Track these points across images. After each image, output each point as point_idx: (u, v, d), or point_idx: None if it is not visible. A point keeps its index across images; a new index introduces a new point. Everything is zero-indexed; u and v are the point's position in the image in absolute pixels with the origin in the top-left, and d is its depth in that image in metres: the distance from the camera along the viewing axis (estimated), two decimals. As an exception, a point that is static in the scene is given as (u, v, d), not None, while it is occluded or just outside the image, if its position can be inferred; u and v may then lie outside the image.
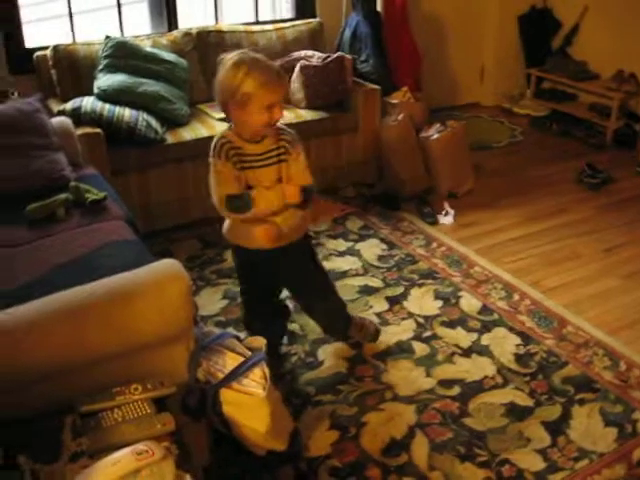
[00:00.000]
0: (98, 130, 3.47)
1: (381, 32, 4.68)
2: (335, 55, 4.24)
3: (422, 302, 3.23)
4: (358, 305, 3.17)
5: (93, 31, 4.16)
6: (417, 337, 2.98)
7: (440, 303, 3.22)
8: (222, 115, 3.86)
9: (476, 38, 5.82)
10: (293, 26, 4.56)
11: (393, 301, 3.23)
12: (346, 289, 3.25)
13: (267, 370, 2.12)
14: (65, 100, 3.71)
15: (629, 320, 3.10)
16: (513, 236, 3.86)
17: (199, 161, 3.68)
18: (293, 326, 3.00)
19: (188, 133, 3.77)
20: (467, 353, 2.88)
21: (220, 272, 3.46)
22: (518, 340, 2.95)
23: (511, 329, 3.03)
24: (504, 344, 2.93)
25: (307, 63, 4.17)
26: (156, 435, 1.67)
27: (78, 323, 1.82)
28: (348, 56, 4.31)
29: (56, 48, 3.82)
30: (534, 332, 3.01)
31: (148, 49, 3.98)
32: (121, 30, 4.30)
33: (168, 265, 2.02)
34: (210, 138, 3.63)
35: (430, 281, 3.40)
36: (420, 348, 2.91)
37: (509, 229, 3.94)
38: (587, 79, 5.46)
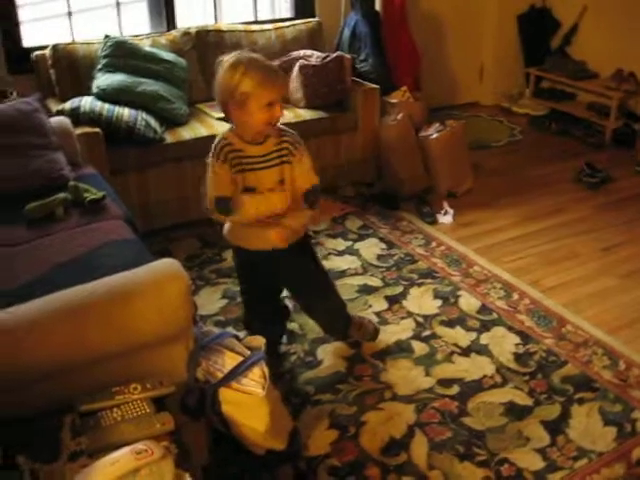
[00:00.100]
0: (97, 130, 3.46)
1: (380, 31, 4.67)
2: (334, 55, 4.24)
3: (421, 301, 3.23)
4: (357, 304, 3.17)
5: (92, 30, 4.16)
6: (416, 336, 2.98)
7: (439, 302, 3.22)
8: (221, 115, 3.89)
9: (475, 37, 5.82)
10: (292, 25, 4.56)
11: (392, 300, 3.23)
12: (345, 288, 3.25)
13: (266, 369, 2.13)
14: (64, 100, 3.71)
15: (628, 319, 3.10)
16: (512, 235, 3.86)
17: (198, 160, 3.66)
18: (292, 325, 3.00)
19: (187, 132, 3.77)
20: (466, 352, 2.88)
21: (219, 271, 3.46)
22: (517, 339, 2.96)
23: (510, 328, 3.03)
24: (503, 343, 2.93)
25: (306, 63, 4.17)
26: (155, 434, 1.67)
27: (78, 322, 1.82)
28: (347, 55, 4.31)
29: (55, 47, 3.82)
30: (533, 331, 3.01)
31: (147, 48, 3.98)
32: (120, 29, 4.30)
33: (167, 264, 2.02)
34: (209, 137, 3.67)
35: (429, 280, 3.40)
36: (419, 347, 2.91)
37: (508, 228, 3.94)
38: (586, 78, 5.46)
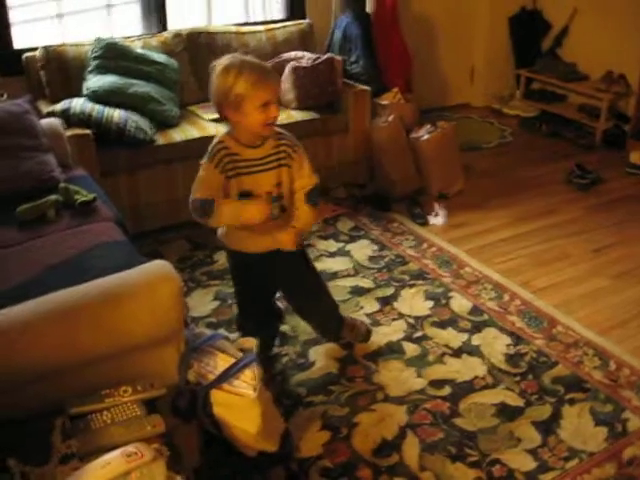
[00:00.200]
0: (88, 131, 3.45)
1: (371, 33, 4.68)
2: (325, 56, 4.24)
3: (413, 303, 3.23)
4: (349, 306, 3.18)
5: (83, 32, 4.15)
6: (408, 338, 2.98)
7: (431, 304, 3.23)
8: (212, 116, 3.92)
9: (466, 39, 5.84)
10: (283, 27, 4.56)
11: (384, 302, 3.24)
12: (337, 290, 3.25)
13: (258, 371, 2.13)
14: (54, 101, 3.70)
15: (619, 320, 3.12)
16: (503, 237, 3.87)
17: (189, 162, 3.68)
18: (284, 327, 2.99)
19: (178, 134, 3.77)
20: (457, 353, 2.88)
21: (211, 273, 3.46)
22: (508, 340, 2.96)
23: (501, 329, 3.03)
24: (494, 344, 2.94)
25: (297, 64, 4.17)
26: (146, 437, 1.67)
27: (70, 324, 1.82)
28: (338, 57, 4.31)
29: (45, 49, 3.81)
30: (524, 332, 3.02)
31: (138, 50, 3.97)
32: (111, 31, 4.29)
33: (159, 266, 2.01)
34: (200, 139, 3.71)
35: (420, 282, 3.40)
36: (411, 349, 2.91)
37: (499, 230, 3.95)
38: (576, 80, 5.48)
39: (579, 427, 2.48)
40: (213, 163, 2.32)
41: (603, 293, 3.32)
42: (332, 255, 3.64)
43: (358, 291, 3.32)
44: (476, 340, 2.97)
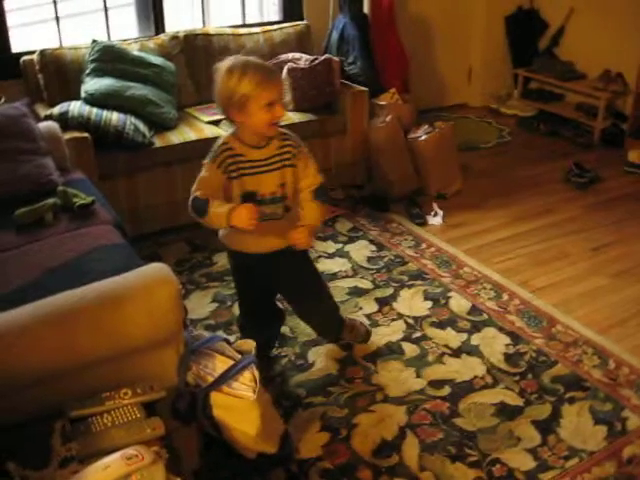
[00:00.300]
0: (86, 134, 3.45)
1: (368, 34, 4.68)
2: (322, 57, 4.24)
3: (412, 303, 3.23)
4: (348, 307, 3.18)
5: (80, 35, 4.15)
6: (407, 338, 2.98)
7: (430, 304, 3.23)
8: (210, 118, 3.92)
9: (463, 39, 5.84)
10: (280, 29, 4.56)
11: (383, 302, 3.24)
12: (336, 291, 3.25)
13: (257, 373, 2.13)
14: (52, 105, 3.70)
15: (618, 319, 3.12)
16: (501, 236, 3.87)
17: (187, 164, 3.70)
18: (283, 328, 2.99)
19: (176, 137, 3.77)
20: (457, 353, 2.89)
21: (209, 275, 3.46)
22: (508, 340, 2.96)
23: (500, 329, 3.04)
24: (494, 344, 2.94)
25: (295, 65, 4.17)
26: (146, 439, 1.67)
27: (69, 327, 1.81)
28: (336, 58, 4.32)
29: (43, 53, 3.81)
30: (523, 332, 3.02)
31: (135, 53, 3.97)
32: (108, 34, 4.29)
33: (157, 269, 2.01)
34: (198, 141, 3.72)
35: (419, 282, 3.40)
36: (410, 349, 2.91)
37: (497, 229, 3.95)
38: (574, 79, 5.49)
39: (579, 426, 2.49)
40: (215, 163, 2.33)
41: (602, 292, 3.33)
42: (331, 256, 3.64)
43: (357, 292, 3.32)
44: (475, 340, 2.97)
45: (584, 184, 4.48)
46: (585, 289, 3.35)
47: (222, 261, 3.55)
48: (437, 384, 2.71)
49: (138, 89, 3.77)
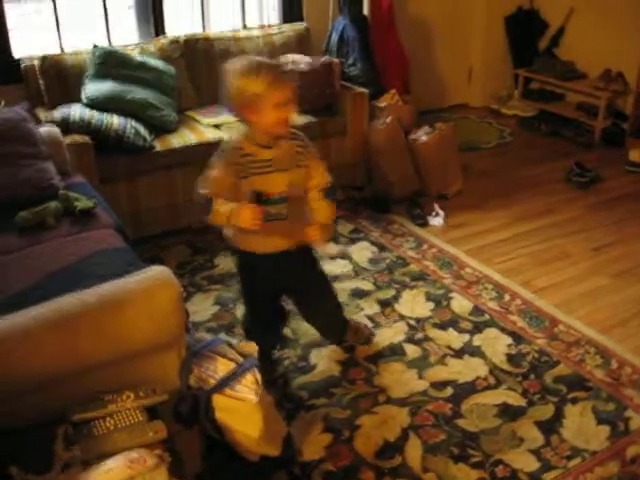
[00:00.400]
0: (86, 138, 3.46)
1: (368, 35, 4.68)
2: (323, 59, 4.24)
3: (413, 304, 3.23)
4: (349, 308, 3.18)
5: (81, 40, 4.15)
6: (409, 339, 2.98)
7: (431, 305, 3.23)
8: (211, 121, 3.92)
9: (463, 40, 5.84)
10: (280, 31, 4.57)
11: (384, 304, 3.24)
12: (337, 292, 3.25)
13: (259, 375, 2.13)
14: (53, 109, 3.70)
15: (620, 318, 3.12)
16: (503, 237, 3.87)
17: (188, 167, 3.70)
18: (285, 330, 2.99)
19: (177, 140, 3.77)
20: (459, 354, 2.89)
21: (211, 278, 3.46)
22: (510, 340, 2.96)
23: (502, 329, 3.04)
24: (496, 345, 2.94)
25: (295, 68, 4.17)
26: (148, 443, 1.67)
27: (70, 331, 1.81)
28: (336, 60, 4.32)
29: (44, 58, 3.81)
30: (525, 332, 3.02)
31: (136, 57, 3.97)
32: (109, 39, 4.29)
33: (158, 272, 2.01)
34: (199, 144, 3.73)
35: (421, 283, 3.40)
36: (412, 350, 2.91)
37: (499, 230, 3.95)
38: (574, 79, 5.49)
39: (581, 426, 2.49)
40: (225, 162, 2.34)
41: (604, 292, 3.32)
42: (332, 258, 3.64)
43: (358, 293, 3.32)
44: (477, 341, 2.97)
45: (585, 184, 4.48)
46: (587, 289, 3.35)
47: (223, 264, 3.56)
48: (439, 385, 2.71)
49: (138, 93, 3.77)
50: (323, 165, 2.49)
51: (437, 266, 3.56)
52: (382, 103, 4.47)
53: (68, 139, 3.38)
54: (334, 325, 2.87)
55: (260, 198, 2.35)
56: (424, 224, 4.01)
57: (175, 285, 1.96)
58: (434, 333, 3.02)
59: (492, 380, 2.73)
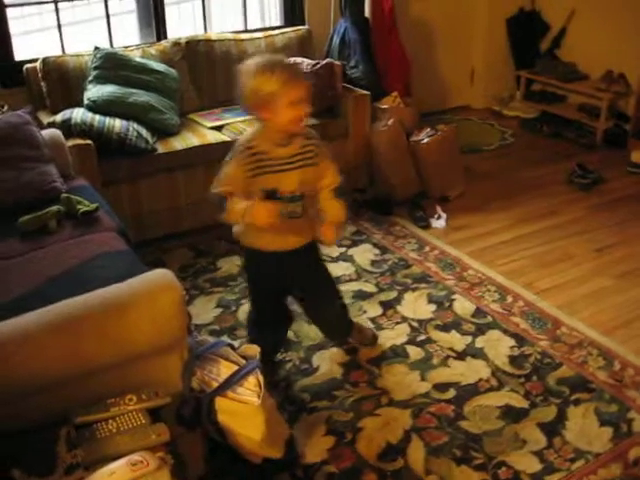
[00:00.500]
0: (89, 141, 3.46)
1: (370, 38, 4.69)
2: (324, 61, 4.24)
3: (416, 306, 3.23)
4: (352, 310, 3.16)
5: (82, 42, 4.16)
6: (411, 341, 2.98)
7: (434, 307, 3.23)
8: (213, 124, 3.93)
9: (465, 41, 5.84)
10: (282, 33, 4.57)
11: (387, 306, 3.24)
12: (340, 295, 3.26)
13: (261, 378, 2.13)
14: (55, 112, 3.71)
15: (623, 320, 3.11)
16: (505, 238, 3.87)
17: (190, 170, 3.71)
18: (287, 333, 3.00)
19: (179, 143, 3.77)
20: (461, 356, 2.88)
21: (213, 281, 3.46)
22: (512, 342, 2.96)
23: (505, 331, 3.03)
24: (498, 346, 2.94)
25: (296, 70, 4.17)
26: (151, 445, 1.67)
27: (72, 335, 1.82)
28: (337, 62, 4.32)
29: (45, 60, 3.82)
30: (528, 334, 3.02)
31: (137, 59, 3.98)
32: (110, 41, 4.30)
33: (160, 275, 2.02)
34: (201, 147, 3.73)
35: (423, 285, 3.40)
36: (414, 352, 2.91)
37: (501, 231, 3.95)
38: (576, 80, 5.48)
39: (584, 428, 2.48)
40: (239, 161, 2.34)
41: (606, 293, 3.32)
42: (334, 260, 3.64)
43: (361, 295, 3.32)
44: (480, 342, 2.97)
45: (587, 185, 4.47)
46: (589, 290, 3.34)
47: (226, 266, 3.56)
48: (442, 387, 2.70)
49: (140, 96, 3.78)
50: (335, 165, 2.51)
51: (439, 268, 3.56)
52: (384, 105, 4.47)
53: (70, 142, 3.39)
54: (340, 324, 2.88)
55: (273, 196, 2.36)
56: (426, 226, 4.01)
57: (177, 288, 1.96)
58: (436, 335, 3.02)
59: (495, 382, 2.72)
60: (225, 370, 2.14)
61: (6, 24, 3.96)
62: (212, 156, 3.71)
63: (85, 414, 1.75)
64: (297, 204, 2.41)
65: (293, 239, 2.49)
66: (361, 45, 4.63)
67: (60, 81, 3.85)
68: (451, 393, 2.67)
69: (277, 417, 2.26)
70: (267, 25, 4.97)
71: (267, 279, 2.62)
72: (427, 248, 3.77)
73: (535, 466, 2.32)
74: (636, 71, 5.02)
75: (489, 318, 3.13)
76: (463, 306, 3.22)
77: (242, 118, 3.99)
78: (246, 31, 4.69)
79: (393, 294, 3.33)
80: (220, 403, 2.07)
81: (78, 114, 3.57)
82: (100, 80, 3.78)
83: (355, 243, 3.83)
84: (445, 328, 3.07)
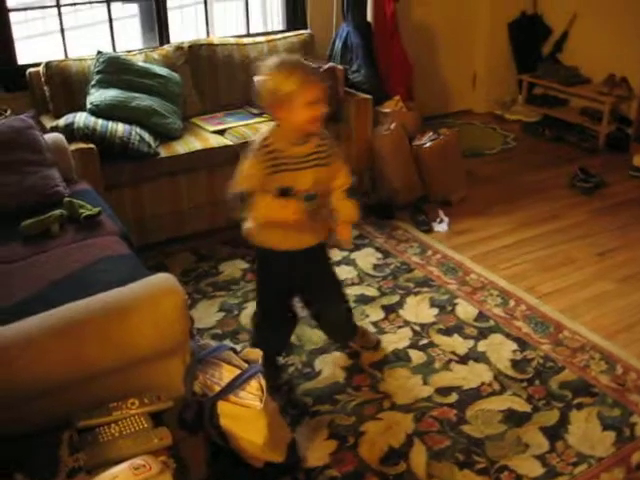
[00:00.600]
0: (91, 145, 3.46)
1: (372, 42, 4.70)
2: (327, 66, 4.25)
3: (418, 310, 3.23)
4: (354, 314, 3.17)
5: (85, 47, 4.17)
6: (413, 345, 2.98)
7: (436, 311, 3.22)
8: (216, 128, 3.94)
9: (467, 45, 5.85)
10: (284, 38, 4.57)
11: (389, 310, 3.24)
12: (342, 299, 3.26)
13: (263, 382, 2.13)
14: (58, 116, 3.72)
15: (625, 324, 3.11)
16: (507, 242, 3.87)
17: (193, 174, 3.72)
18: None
19: (181, 147, 3.78)
20: (464, 360, 2.88)
21: (216, 285, 3.46)
22: (515, 346, 2.96)
23: (507, 335, 3.03)
24: (501, 350, 2.93)
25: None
26: (153, 449, 1.67)
27: (74, 339, 1.82)
28: (339, 66, 4.33)
29: (48, 64, 3.83)
30: (530, 338, 3.01)
31: (140, 64, 3.99)
32: (113, 45, 4.31)
33: (163, 279, 2.02)
34: (204, 151, 3.73)
35: (426, 289, 3.40)
36: (417, 356, 2.91)
37: (503, 235, 3.95)
38: (578, 84, 5.49)
39: (587, 432, 2.48)
40: (256, 159, 2.36)
41: (609, 297, 3.32)
42: (337, 264, 3.63)
43: (363, 299, 3.32)
44: (482, 346, 2.96)
45: (589, 189, 4.47)
46: (592, 294, 3.34)
47: (228, 270, 3.56)
48: (444, 391, 2.70)
49: (143, 100, 3.79)
50: (347, 166, 2.54)
51: (441, 272, 3.56)
52: (386, 109, 4.47)
53: (73, 146, 3.39)
54: (345, 326, 2.88)
55: (287, 194, 2.38)
56: (428, 230, 4.01)
57: (180, 292, 1.96)
58: (439, 339, 3.02)
59: (497, 386, 2.72)
60: (227, 374, 2.15)
61: (9, 28, 3.98)
62: (214, 160, 3.73)
63: (87, 418, 1.75)
64: (311, 203, 2.43)
65: (307, 238, 2.52)
66: (363, 49, 4.63)
67: (63, 85, 3.86)
68: (453, 397, 2.67)
69: (279, 421, 2.26)
70: (269, 29, 4.98)
71: (278, 278, 2.63)
72: (429, 252, 3.77)
73: (538, 470, 2.32)
74: (638, 75, 5.03)
75: (491, 322, 3.13)
76: (465, 310, 3.22)
77: (244, 122, 4.00)
78: (248, 35, 4.71)
79: (395, 298, 3.33)
80: (222, 407, 2.07)
81: (81, 118, 3.58)
82: (103, 84, 3.79)
83: (357, 247, 3.83)
84: (447, 332, 3.06)
